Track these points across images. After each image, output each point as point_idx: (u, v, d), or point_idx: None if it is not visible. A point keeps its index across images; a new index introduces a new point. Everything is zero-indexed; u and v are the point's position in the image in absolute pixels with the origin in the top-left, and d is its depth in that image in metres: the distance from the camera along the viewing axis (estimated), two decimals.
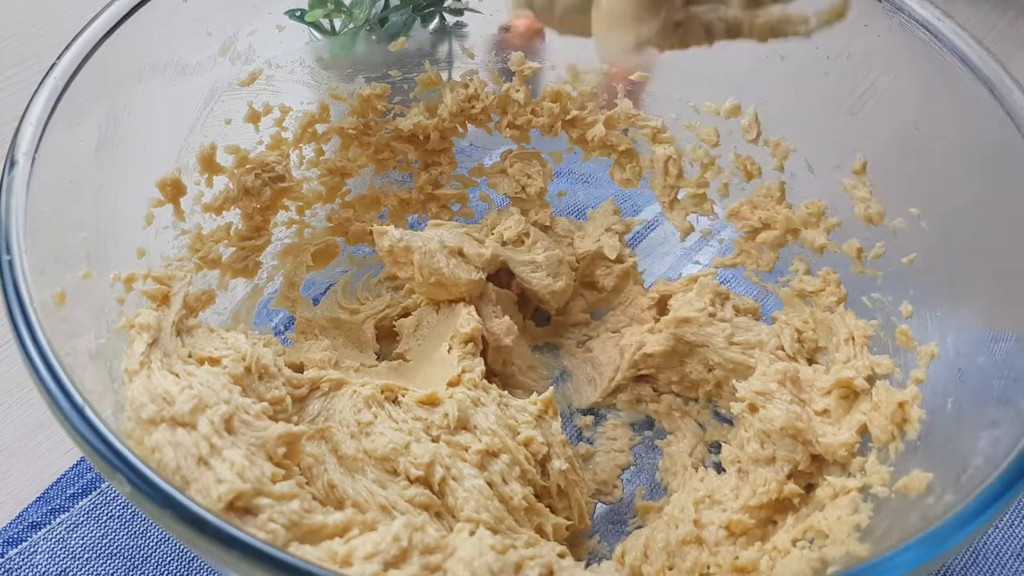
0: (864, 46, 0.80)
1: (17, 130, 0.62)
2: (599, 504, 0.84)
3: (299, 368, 0.78)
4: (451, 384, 0.78)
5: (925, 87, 0.77)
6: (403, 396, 0.77)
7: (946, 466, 0.62)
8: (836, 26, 0.80)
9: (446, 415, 0.75)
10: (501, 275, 0.93)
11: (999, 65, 0.70)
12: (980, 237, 0.73)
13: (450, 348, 0.83)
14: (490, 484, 0.72)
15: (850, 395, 0.77)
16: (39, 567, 0.77)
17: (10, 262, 0.57)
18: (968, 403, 0.67)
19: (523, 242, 0.93)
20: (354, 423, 0.73)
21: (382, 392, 0.77)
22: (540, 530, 0.73)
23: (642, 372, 0.89)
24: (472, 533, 0.64)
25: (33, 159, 0.61)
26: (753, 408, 0.77)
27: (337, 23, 0.91)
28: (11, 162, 0.60)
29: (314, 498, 0.65)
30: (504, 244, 0.93)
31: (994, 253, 0.70)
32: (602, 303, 0.97)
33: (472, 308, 0.86)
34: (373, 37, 0.91)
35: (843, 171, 0.82)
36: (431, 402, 0.76)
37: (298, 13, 0.86)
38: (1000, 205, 0.71)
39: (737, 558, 0.71)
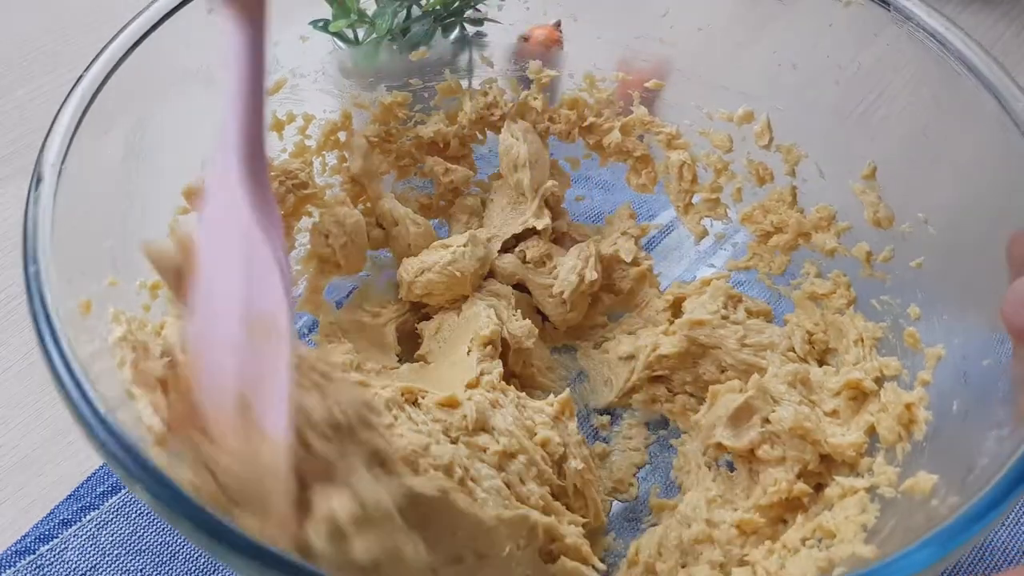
0: (873, 55, 0.81)
1: (45, 140, 0.63)
2: (615, 502, 0.85)
3: None
4: (470, 386, 0.80)
5: (933, 95, 0.77)
6: (423, 398, 0.78)
7: (952, 467, 0.63)
8: (845, 36, 0.81)
9: (464, 417, 0.76)
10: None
11: (1006, 74, 0.71)
12: (987, 242, 0.73)
13: (469, 350, 0.84)
14: (508, 485, 0.73)
15: (859, 396, 0.78)
16: (70, 563, 0.79)
17: (36, 272, 0.58)
18: (974, 404, 0.68)
19: (544, 264, 0.94)
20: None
21: (402, 395, 0.78)
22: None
23: (657, 373, 0.90)
24: None
25: (60, 169, 0.62)
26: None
27: (360, 33, 0.93)
28: (39, 173, 0.62)
29: None
30: (526, 262, 0.94)
31: (1000, 258, 0.71)
32: (619, 306, 0.98)
33: (492, 311, 0.87)
34: (395, 47, 0.92)
35: (853, 176, 0.83)
36: (450, 404, 0.77)
37: (322, 23, 0.87)
38: (1006, 211, 0.72)
39: (746, 556, 0.72)
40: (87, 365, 0.55)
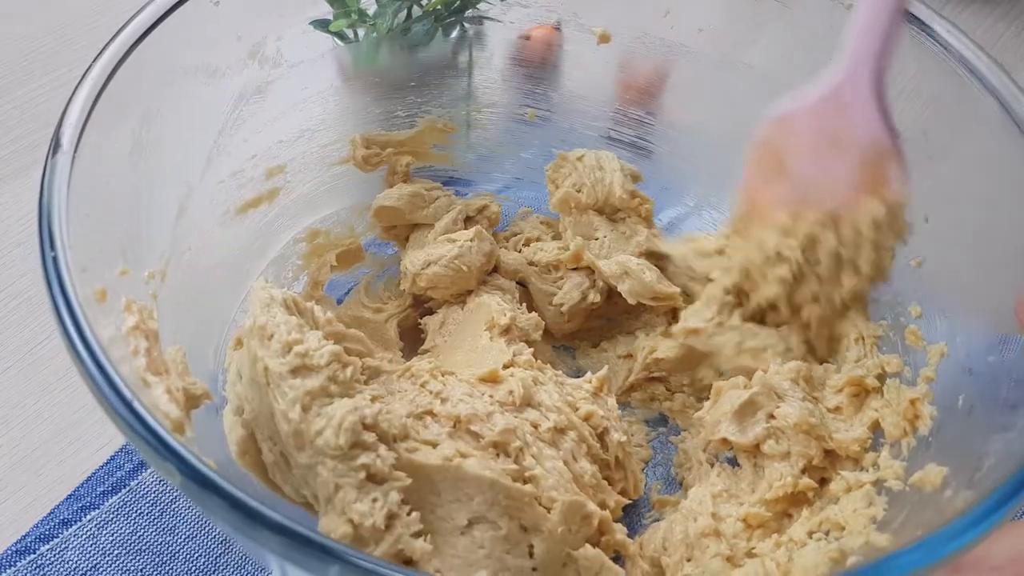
0: None
1: (57, 131, 0.63)
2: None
3: None
4: (506, 366, 0.79)
5: (934, 97, 0.78)
6: (458, 376, 0.78)
7: (960, 460, 0.64)
8: None
9: (511, 392, 0.75)
10: None
11: (1007, 76, 0.72)
12: (988, 240, 0.74)
13: (491, 337, 0.84)
14: (564, 463, 0.73)
15: (861, 393, 0.79)
16: (70, 563, 0.78)
17: (55, 258, 0.57)
18: (980, 401, 0.69)
19: (551, 272, 0.94)
20: (427, 392, 0.74)
21: (440, 372, 0.78)
22: (603, 506, 0.75)
23: (654, 375, 0.91)
24: None
25: (73, 159, 0.62)
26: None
27: (360, 33, 0.93)
28: (53, 161, 0.61)
29: None
30: (531, 263, 0.94)
31: (1001, 258, 0.72)
32: (617, 309, 0.97)
33: (502, 301, 0.88)
34: (397, 45, 0.93)
35: None
36: (492, 379, 0.77)
37: (322, 23, 0.87)
38: (1006, 210, 0.72)
39: (753, 549, 0.73)
40: (108, 350, 0.55)
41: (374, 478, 0.64)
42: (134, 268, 0.67)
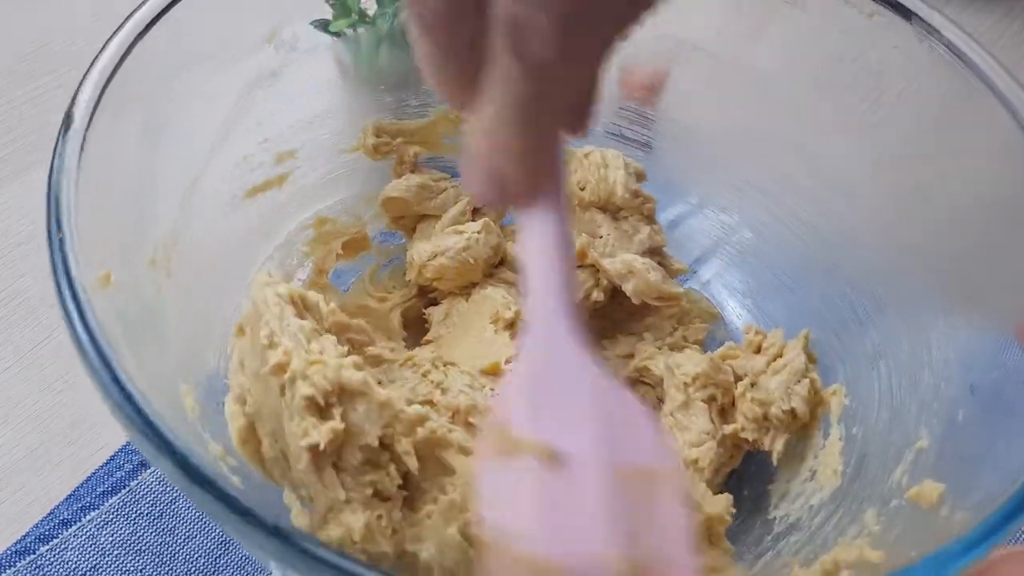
0: (882, 58, 0.81)
1: (68, 113, 0.62)
2: None
3: None
4: (509, 360, 0.79)
5: (936, 97, 0.78)
6: (460, 368, 0.78)
7: (958, 479, 0.64)
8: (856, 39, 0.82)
9: None
10: None
11: (1010, 76, 0.72)
12: (994, 251, 0.74)
13: (496, 331, 0.83)
14: None
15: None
16: (70, 563, 0.78)
17: (61, 240, 0.57)
18: (979, 416, 0.68)
19: None
20: (428, 382, 0.74)
21: (443, 362, 0.78)
22: None
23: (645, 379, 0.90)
24: None
25: (84, 138, 0.62)
26: None
27: (360, 32, 0.93)
28: (63, 144, 0.61)
29: None
30: None
31: (1005, 264, 0.72)
32: (621, 311, 0.96)
33: (507, 294, 0.87)
34: (398, 45, 0.92)
35: (855, 179, 0.83)
36: (493, 372, 0.77)
37: (322, 23, 0.87)
38: (1010, 213, 0.72)
39: None
40: (112, 338, 0.55)
41: (380, 495, 0.63)
42: (136, 255, 0.67)
